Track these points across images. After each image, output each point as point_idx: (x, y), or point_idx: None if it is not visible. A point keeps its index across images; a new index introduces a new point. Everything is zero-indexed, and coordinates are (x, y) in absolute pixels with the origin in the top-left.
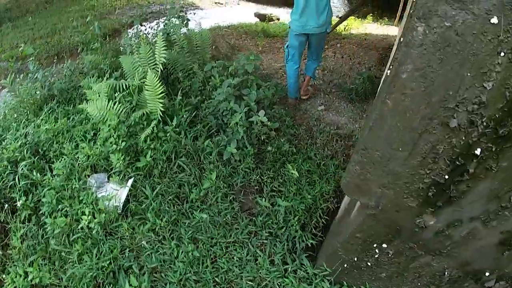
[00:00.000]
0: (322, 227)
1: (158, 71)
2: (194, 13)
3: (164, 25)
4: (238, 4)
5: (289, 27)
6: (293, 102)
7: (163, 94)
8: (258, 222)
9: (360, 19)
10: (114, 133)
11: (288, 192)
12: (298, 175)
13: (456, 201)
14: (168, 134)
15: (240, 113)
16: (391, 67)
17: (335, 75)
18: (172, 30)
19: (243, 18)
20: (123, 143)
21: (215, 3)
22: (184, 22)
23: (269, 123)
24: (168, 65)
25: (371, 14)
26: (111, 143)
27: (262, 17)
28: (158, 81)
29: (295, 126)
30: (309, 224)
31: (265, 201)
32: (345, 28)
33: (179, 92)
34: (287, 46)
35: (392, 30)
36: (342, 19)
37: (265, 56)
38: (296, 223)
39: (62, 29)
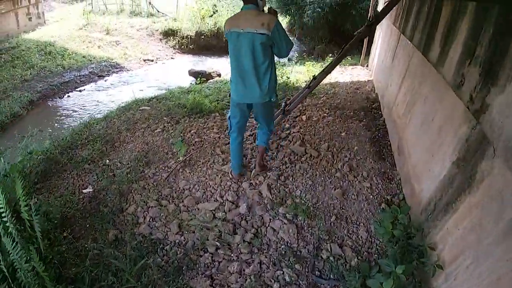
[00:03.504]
0: None
1: None
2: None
3: None
4: (172, 58)
5: (229, 94)
6: (237, 178)
7: None
8: None
9: (316, 61)
10: None
11: None
12: None
13: None
14: None
15: None
16: None
17: (331, 240)
18: None
19: (176, 79)
20: None
21: (144, 60)
22: None
23: None
24: None
25: (330, 55)
26: None
27: (197, 75)
28: None
29: None
30: None
31: None
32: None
33: None
34: (229, 117)
35: (360, 73)
36: (320, 78)
37: (190, 175)
38: None
39: None
